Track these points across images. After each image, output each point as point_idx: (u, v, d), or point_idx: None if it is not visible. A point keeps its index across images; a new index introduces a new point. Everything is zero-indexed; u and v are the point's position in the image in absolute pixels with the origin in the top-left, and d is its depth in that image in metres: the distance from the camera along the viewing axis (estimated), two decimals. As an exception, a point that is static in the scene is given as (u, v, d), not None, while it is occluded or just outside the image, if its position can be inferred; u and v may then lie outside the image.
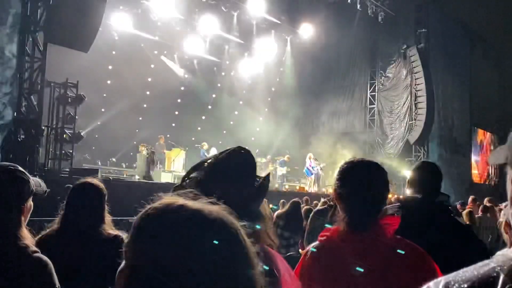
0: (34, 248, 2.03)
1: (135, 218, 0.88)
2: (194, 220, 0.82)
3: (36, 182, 2.22)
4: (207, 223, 0.83)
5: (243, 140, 20.58)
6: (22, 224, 2.04)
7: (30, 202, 2.12)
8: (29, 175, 2.14)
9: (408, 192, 3.01)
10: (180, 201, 0.87)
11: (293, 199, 7.87)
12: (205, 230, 0.81)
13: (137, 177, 14.94)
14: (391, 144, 22.54)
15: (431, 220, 2.58)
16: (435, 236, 2.02)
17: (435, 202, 2.86)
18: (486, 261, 0.81)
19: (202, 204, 0.87)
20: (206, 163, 1.80)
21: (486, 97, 27.73)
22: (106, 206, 2.86)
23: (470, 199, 10.88)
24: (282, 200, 10.27)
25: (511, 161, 0.85)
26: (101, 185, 2.90)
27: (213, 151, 15.91)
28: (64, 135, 12.34)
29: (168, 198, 0.89)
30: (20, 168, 2.11)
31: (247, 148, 1.88)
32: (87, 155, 18.24)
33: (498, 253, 0.83)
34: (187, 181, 1.76)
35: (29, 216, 2.14)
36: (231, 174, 1.70)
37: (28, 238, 2.04)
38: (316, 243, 1.96)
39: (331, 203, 7.06)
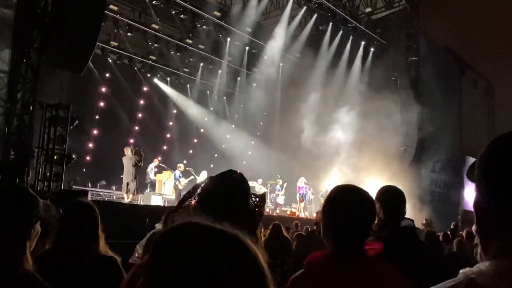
0: (38, 277, 1.94)
1: (156, 235, 0.89)
2: (214, 238, 0.84)
3: (45, 206, 2.15)
4: (226, 241, 0.85)
5: (235, 164, 20.53)
6: (27, 250, 1.95)
7: (38, 228, 2.02)
8: (39, 199, 2.05)
9: None
10: (200, 221, 0.88)
11: (274, 222, 7.85)
12: (224, 248, 0.83)
13: (126, 200, 14.61)
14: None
15: (396, 245, 2.54)
16: (402, 261, 2.02)
17: (400, 227, 2.88)
18: (452, 279, 0.94)
19: (219, 224, 0.89)
20: (199, 190, 1.80)
21: (476, 125, 28.03)
22: (99, 226, 2.83)
23: (452, 225, 11.14)
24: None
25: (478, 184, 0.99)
26: (93, 205, 2.88)
27: (203, 174, 15.83)
28: (55, 157, 12.26)
29: (188, 218, 0.90)
30: (30, 191, 2.03)
31: (239, 171, 1.87)
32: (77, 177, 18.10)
33: (461, 270, 0.95)
34: (182, 208, 1.76)
35: (35, 241, 2.05)
36: (224, 200, 1.70)
37: (32, 267, 1.95)
38: (301, 270, 1.95)
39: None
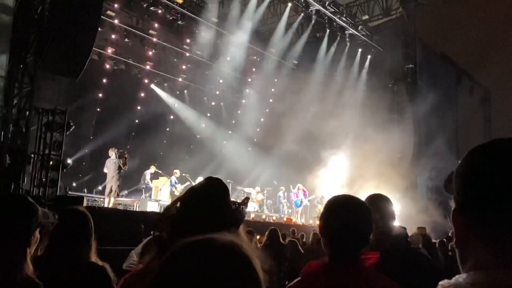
0: (38, 282, 1.98)
1: (169, 250, 0.88)
2: (225, 252, 0.86)
3: (43, 213, 2.18)
4: (234, 254, 0.86)
5: (231, 170, 20.52)
6: (27, 257, 1.99)
7: (37, 234, 2.07)
8: (38, 206, 2.10)
9: None
10: (210, 235, 0.90)
11: (270, 227, 7.83)
12: (232, 261, 0.85)
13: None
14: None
15: (389, 254, 2.49)
16: (395, 270, 2.00)
17: (392, 235, 2.85)
18: None
19: (228, 237, 0.90)
20: (180, 199, 1.89)
21: (472, 133, 28.11)
22: (92, 234, 2.82)
23: (450, 232, 11.28)
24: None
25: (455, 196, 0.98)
26: (86, 212, 2.87)
27: (199, 180, 15.73)
28: (51, 162, 12.22)
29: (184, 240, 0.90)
30: (30, 199, 2.08)
31: (216, 177, 1.95)
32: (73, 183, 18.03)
33: (440, 282, 0.95)
34: (165, 217, 1.83)
35: (34, 248, 2.10)
36: (202, 206, 1.76)
37: (32, 272, 1.99)
38: (298, 278, 1.94)
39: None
